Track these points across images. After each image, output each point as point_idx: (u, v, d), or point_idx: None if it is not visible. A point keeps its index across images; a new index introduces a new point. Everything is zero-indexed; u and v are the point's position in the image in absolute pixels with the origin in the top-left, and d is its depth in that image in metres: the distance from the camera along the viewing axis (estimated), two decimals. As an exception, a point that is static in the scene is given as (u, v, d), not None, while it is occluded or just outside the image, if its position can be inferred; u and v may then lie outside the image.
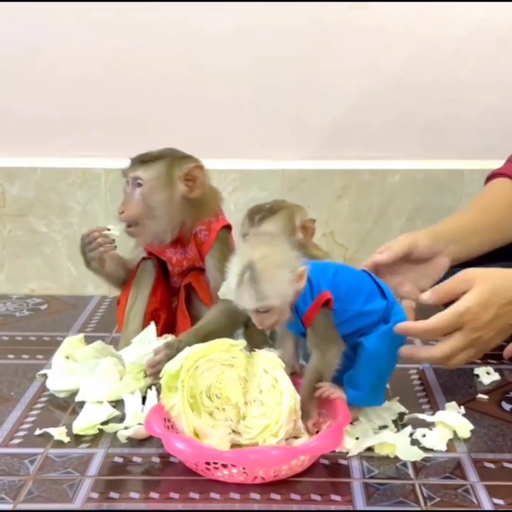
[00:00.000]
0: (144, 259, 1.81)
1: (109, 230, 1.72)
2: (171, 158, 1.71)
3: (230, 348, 1.43)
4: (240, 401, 1.40)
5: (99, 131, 2.23)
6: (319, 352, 1.41)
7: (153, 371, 1.57)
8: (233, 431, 1.40)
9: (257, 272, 1.31)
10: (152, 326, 1.69)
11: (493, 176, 1.87)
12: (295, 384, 1.42)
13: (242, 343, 1.45)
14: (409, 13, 2.15)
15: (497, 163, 2.12)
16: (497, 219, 1.73)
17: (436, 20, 2.15)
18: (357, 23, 2.16)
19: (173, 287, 1.82)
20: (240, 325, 1.71)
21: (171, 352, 1.54)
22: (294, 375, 1.48)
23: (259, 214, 1.63)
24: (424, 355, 1.46)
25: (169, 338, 1.66)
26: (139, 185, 1.68)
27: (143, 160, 1.70)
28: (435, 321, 1.40)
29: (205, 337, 1.53)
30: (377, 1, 2.14)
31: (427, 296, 1.44)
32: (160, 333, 1.71)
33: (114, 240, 1.72)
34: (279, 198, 2.17)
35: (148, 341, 1.65)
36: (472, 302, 1.39)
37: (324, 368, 1.42)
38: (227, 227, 1.77)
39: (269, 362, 1.43)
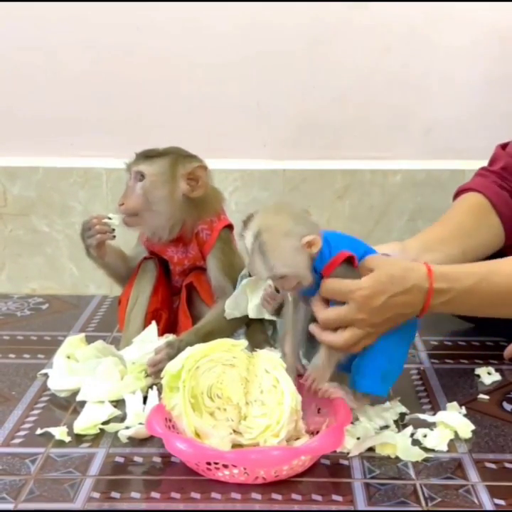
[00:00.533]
0: (145, 258, 1.81)
1: (109, 218, 1.71)
2: (176, 156, 1.72)
3: (231, 347, 1.43)
4: (241, 401, 1.40)
5: (101, 130, 2.23)
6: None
7: (155, 370, 1.57)
8: (234, 431, 1.40)
9: (263, 243, 1.33)
10: (153, 325, 1.69)
11: (461, 191, 1.89)
12: (296, 384, 1.42)
13: (243, 343, 1.45)
14: (410, 13, 2.15)
15: (498, 164, 2.13)
16: (464, 233, 1.74)
17: (437, 20, 2.15)
18: (359, 23, 2.16)
19: (175, 287, 1.82)
20: (241, 325, 1.71)
21: (172, 351, 1.55)
22: (298, 376, 1.49)
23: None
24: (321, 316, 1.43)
25: (170, 337, 1.66)
26: (141, 179, 1.68)
27: (148, 155, 1.70)
28: (323, 290, 1.41)
29: (206, 336, 1.53)
30: (379, 1, 2.13)
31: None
32: (161, 332, 1.71)
33: (113, 229, 1.71)
34: (280, 198, 2.20)
35: (149, 341, 1.65)
36: (366, 283, 1.40)
37: None
38: (229, 227, 1.78)
39: (271, 362, 1.43)
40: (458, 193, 1.90)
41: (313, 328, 1.44)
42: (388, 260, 1.46)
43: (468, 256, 1.69)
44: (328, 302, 1.44)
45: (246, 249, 1.38)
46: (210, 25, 2.16)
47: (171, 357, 1.47)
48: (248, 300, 1.66)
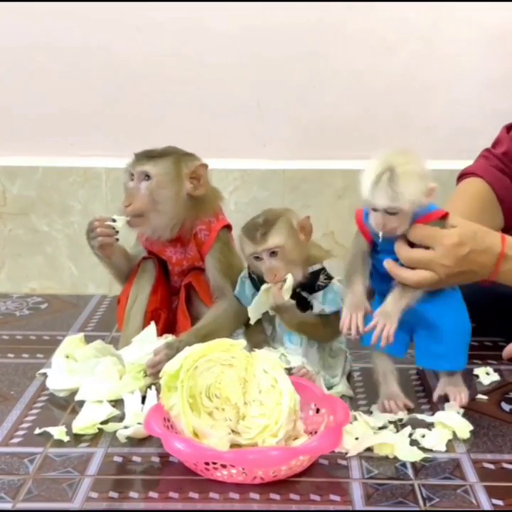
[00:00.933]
0: (144, 258, 1.81)
1: (114, 220, 1.70)
2: (177, 155, 1.72)
3: (230, 348, 1.43)
4: (239, 401, 1.40)
5: (101, 130, 2.23)
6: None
7: (154, 371, 1.57)
8: (233, 431, 1.40)
9: (397, 175, 1.42)
10: (152, 325, 1.69)
11: (464, 174, 1.90)
12: (294, 384, 1.42)
13: (241, 343, 1.45)
14: (410, 14, 2.15)
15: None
16: (470, 216, 1.71)
17: (437, 20, 2.15)
18: (359, 23, 2.16)
19: (174, 287, 1.82)
20: (240, 325, 1.71)
21: (171, 352, 1.54)
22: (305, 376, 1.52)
23: (257, 231, 1.59)
24: (401, 250, 1.50)
25: (169, 337, 1.66)
26: (146, 179, 1.68)
27: (150, 155, 1.70)
28: (413, 232, 1.49)
29: (205, 337, 1.53)
30: (380, 1, 2.13)
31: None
32: (160, 332, 1.71)
33: (117, 231, 1.70)
34: (280, 198, 2.20)
35: (148, 341, 1.65)
36: (455, 232, 1.50)
37: None
38: (228, 227, 1.78)
39: (269, 362, 1.43)
40: (461, 176, 1.92)
41: (390, 264, 1.50)
42: (468, 221, 1.57)
43: None
44: (411, 246, 1.50)
45: (368, 180, 1.45)
46: (210, 25, 2.17)
47: (170, 358, 1.46)
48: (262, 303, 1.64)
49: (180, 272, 1.80)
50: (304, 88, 2.20)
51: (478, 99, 2.20)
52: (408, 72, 2.18)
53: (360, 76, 2.19)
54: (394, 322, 1.48)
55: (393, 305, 1.49)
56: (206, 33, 2.17)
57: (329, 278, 1.66)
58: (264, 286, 1.60)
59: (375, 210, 1.46)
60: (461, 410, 1.55)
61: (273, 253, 1.59)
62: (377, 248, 1.54)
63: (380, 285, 1.56)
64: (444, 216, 1.51)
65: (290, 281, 1.58)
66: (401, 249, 1.50)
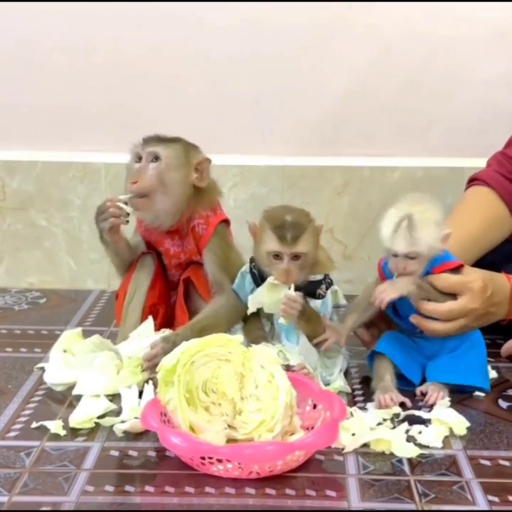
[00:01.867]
0: (143, 254, 1.81)
1: (126, 203, 1.69)
2: (186, 143, 1.73)
3: (227, 343, 1.43)
4: (236, 396, 1.40)
5: (100, 125, 2.23)
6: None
7: (150, 365, 1.57)
8: (229, 426, 1.40)
9: (415, 222, 1.52)
10: (150, 320, 1.69)
11: (472, 180, 1.90)
12: (291, 380, 1.42)
13: (239, 338, 1.45)
14: (410, 12, 2.15)
15: (497, 161, 2.12)
16: (471, 241, 1.80)
17: (438, 18, 2.15)
18: (359, 21, 2.16)
19: (172, 281, 1.82)
20: (238, 320, 1.71)
21: (168, 346, 1.55)
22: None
23: (288, 232, 1.59)
24: (430, 308, 1.58)
25: (166, 332, 1.66)
26: (155, 160, 1.68)
27: (161, 139, 1.70)
28: (445, 274, 1.59)
29: (202, 331, 1.54)
30: (380, 1, 2.13)
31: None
32: (158, 327, 1.71)
33: (128, 214, 1.70)
34: (279, 194, 2.21)
35: (145, 335, 1.65)
36: (477, 276, 1.59)
37: None
38: (226, 222, 1.78)
39: (266, 357, 1.43)
40: (472, 180, 1.93)
41: (416, 318, 1.60)
42: (474, 268, 1.66)
43: (469, 263, 1.73)
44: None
45: (388, 228, 1.54)
46: (210, 21, 2.17)
47: (166, 351, 1.47)
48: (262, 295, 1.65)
49: (177, 264, 1.80)
50: (303, 85, 2.20)
51: (478, 97, 2.20)
52: (407, 70, 2.18)
53: (360, 73, 2.19)
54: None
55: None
56: (206, 29, 2.17)
57: (328, 287, 1.68)
58: (270, 278, 1.61)
59: (395, 255, 1.55)
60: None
61: (296, 257, 1.60)
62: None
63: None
64: (459, 267, 1.60)
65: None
66: (433, 307, 1.58)
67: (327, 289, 1.67)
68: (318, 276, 1.66)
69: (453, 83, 2.19)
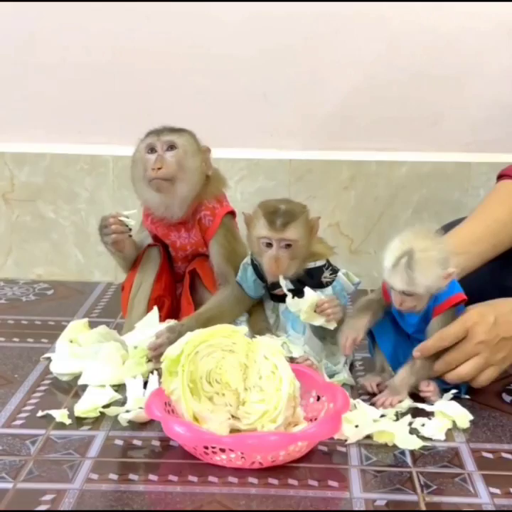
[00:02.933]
0: (149, 246, 1.82)
1: (127, 217, 1.73)
2: (192, 133, 1.76)
3: (231, 333, 1.44)
4: (239, 386, 1.41)
5: (108, 118, 2.24)
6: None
7: (155, 354, 1.58)
8: (233, 416, 1.41)
9: (414, 261, 1.46)
10: (155, 310, 1.70)
11: (502, 175, 1.89)
12: (295, 371, 1.43)
13: (243, 329, 1.46)
14: (418, 6, 2.14)
15: (504, 157, 2.13)
16: (499, 226, 1.77)
17: (446, 13, 2.15)
18: (367, 14, 2.16)
19: (178, 273, 1.83)
20: (243, 311, 1.72)
21: (173, 335, 1.56)
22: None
23: (279, 218, 1.59)
24: (443, 367, 1.56)
25: (172, 322, 1.67)
26: (171, 149, 1.71)
27: (171, 129, 1.73)
28: (442, 330, 1.54)
29: (207, 322, 1.54)
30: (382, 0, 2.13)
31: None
32: (164, 319, 1.72)
33: (130, 228, 1.73)
34: (285, 188, 2.21)
35: (151, 325, 1.66)
36: (470, 309, 1.56)
37: None
38: (232, 214, 1.79)
39: (270, 348, 1.44)
40: (500, 176, 1.90)
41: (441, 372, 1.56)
42: (487, 303, 1.60)
43: (498, 249, 1.74)
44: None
45: (389, 260, 1.49)
46: (217, 16, 2.17)
47: (171, 341, 1.48)
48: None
49: (183, 257, 1.80)
50: (310, 79, 2.20)
51: (485, 92, 2.19)
52: (415, 63, 2.17)
53: (367, 67, 2.19)
54: (401, 396, 1.54)
55: (402, 380, 1.55)
56: (214, 23, 2.18)
57: (335, 271, 1.67)
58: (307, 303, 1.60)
59: (393, 289, 1.52)
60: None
61: (286, 245, 1.60)
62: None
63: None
64: (463, 301, 1.56)
65: (312, 297, 1.60)
66: (443, 366, 1.56)
67: (332, 274, 1.67)
68: (319, 263, 1.66)
69: (460, 78, 2.19)
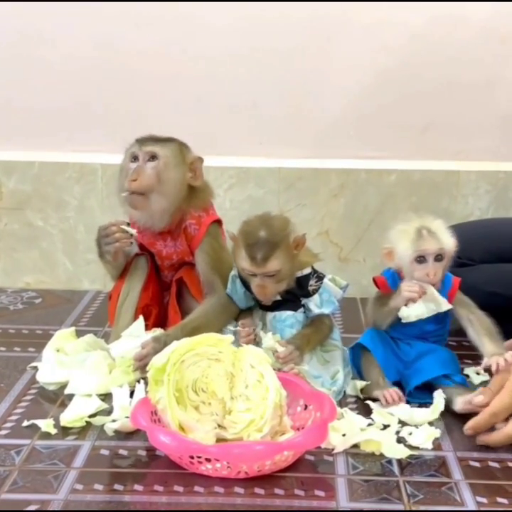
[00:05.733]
0: (136, 255, 1.81)
1: (128, 224, 1.72)
2: (180, 142, 1.74)
3: (217, 342, 1.43)
4: (225, 396, 1.41)
5: (97, 126, 2.23)
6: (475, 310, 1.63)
7: (141, 365, 1.57)
8: (219, 425, 1.40)
9: (434, 227, 1.60)
10: (141, 319, 1.69)
11: None
12: (282, 380, 1.42)
13: (229, 337, 1.45)
14: (409, 13, 2.14)
15: (493, 165, 2.13)
16: None
17: (437, 20, 2.15)
18: (357, 22, 2.16)
19: (165, 282, 1.82)
20: (229, 320, 1.71)
21: (158, 345, 1.55)
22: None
23: (259, 252, 1.57)
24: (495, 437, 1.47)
25: (157, 332, 1.67)
26: (153, 160, 1.69)
27: (156, 138, 1.72)
28: (493, 405, 1.46)
29: (193, 331, 1.53)
30: (380, 1, 2.13)
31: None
32: (151, 327, 1.71)
33: (132, 235, 1.72)
34: (275, 196, 2.21)
35: (136, 335, 1.65)
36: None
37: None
38: (218, 222, 1.78)
39: (256, 357, 1.43)
40: None
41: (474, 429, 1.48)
42: None
43: None
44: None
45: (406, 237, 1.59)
46: (207, 22, 2.17)
47: (157, 351, 1.47)
48: None
49: (170, 265, 1.80)
50: (300, 87, 2.20)
51: (476, 100, 2.19)
52: (405, 71, 2.17)
53: (358, 75, 2.18)
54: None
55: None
56: (203, 30, 2.17)
57: (320, 278, 1.67)
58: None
59: (421, 262, 1.58)
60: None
61: (269, 275, 1.60)
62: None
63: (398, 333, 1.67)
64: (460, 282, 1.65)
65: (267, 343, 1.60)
66: (491, 439, 1.47)
67: (318, 281, 1.66)
68: (306, 271, 1.66)
69: (450, 86, 2.19)
